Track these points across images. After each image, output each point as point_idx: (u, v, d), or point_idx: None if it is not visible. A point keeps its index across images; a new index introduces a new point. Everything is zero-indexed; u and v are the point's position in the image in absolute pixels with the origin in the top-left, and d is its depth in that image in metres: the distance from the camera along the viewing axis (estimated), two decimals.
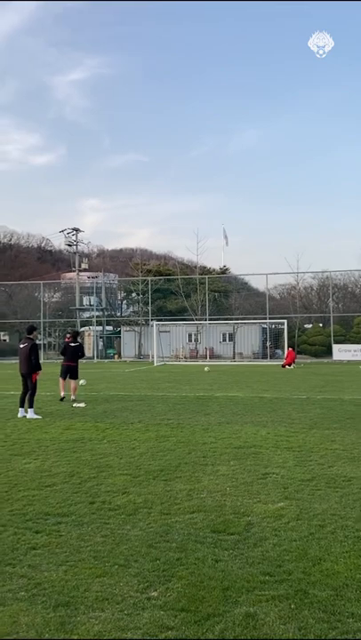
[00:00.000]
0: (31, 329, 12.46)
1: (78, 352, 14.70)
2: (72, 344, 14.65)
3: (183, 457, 7.47)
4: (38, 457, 7.59)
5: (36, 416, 11.30)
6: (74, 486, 6.07)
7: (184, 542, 4.45)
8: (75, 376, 14.38)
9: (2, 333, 54.58)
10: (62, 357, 14.87)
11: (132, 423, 10.37)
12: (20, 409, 11.69)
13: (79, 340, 15.39)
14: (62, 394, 14.23)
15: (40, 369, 11.92)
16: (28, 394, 11.72)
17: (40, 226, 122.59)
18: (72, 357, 14.44)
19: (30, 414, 11.34)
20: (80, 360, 14.95)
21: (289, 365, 30.04)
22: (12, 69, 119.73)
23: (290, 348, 31.96)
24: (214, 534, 4.63)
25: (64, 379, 14.42)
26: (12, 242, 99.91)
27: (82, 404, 13.06)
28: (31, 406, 11.53)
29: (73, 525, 4.84)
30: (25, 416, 11.32)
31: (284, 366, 30.16)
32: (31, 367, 11.72)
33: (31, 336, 12.22)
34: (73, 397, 13.87)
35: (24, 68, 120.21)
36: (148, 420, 10.65)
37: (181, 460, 7.26)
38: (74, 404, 13.05)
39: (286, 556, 4.19)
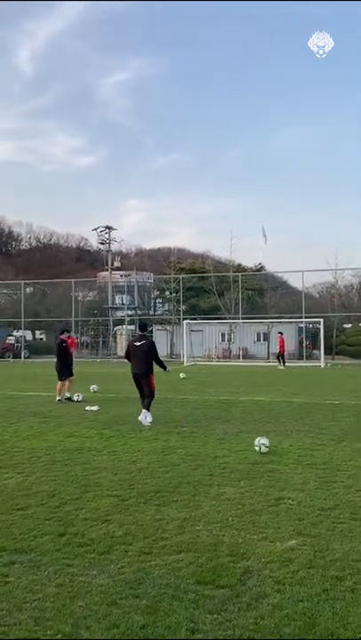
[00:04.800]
0: (145, 326, 11.39)
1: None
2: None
3: (187, 474, 6.48)
4: (24, 470, 6.75)
5: (147, 422, 9.97)
6: (49, 510, 5.17)
7: (158, 599, 3.47)
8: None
9: (38, 332, 54.79)
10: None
11: (141, 431, 9.44)
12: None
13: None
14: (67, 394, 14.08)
15: (165, 368, 10.86)
16: (146, 400, 10.36)
17: (81, 226, 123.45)
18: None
19: (144, 418, 10.04)
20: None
21: (282, 358, 28.98)
22: (58, 73, 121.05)
23: (281, 335, 30.55)
24: (199, 587, 3.64)
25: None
26: (52, 242, 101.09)
27: (95, 407, 12.23)
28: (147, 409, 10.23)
29: (27, 567, 3.93)
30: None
31: (281, 355, 29.22)
32: (149, 368, 10.50)
33: (146, 333, 11.22)
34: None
35: (69, 70, 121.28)
36: (160, 428, 9.69)
37: (183, 479, 6.27)
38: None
39: (287, 626, 3.16)
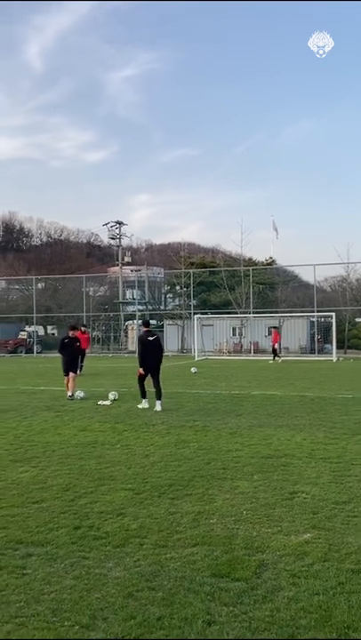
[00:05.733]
0: (148, 322, 12.65)
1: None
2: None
3: (200, 468, 6.50)
4: (39, 464, 6.80)
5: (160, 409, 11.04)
6: (64, 504, 5.22)
7: (174, 591, 3.49)
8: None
9: (49, 327, 55.03)
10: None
11: (154, 425, 9.47)
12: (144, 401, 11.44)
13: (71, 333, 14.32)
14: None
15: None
16: (158, 391, 11.30)
17: (91, 222, 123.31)
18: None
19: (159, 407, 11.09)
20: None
21: (277, 353, 28.92)
22: (67, 68, 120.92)
23: (275, 330, 30.37)
24: (215, 579, 3.66)
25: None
26: (63, 237, 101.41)
27: (107, 402, 12.28)
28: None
29: (44, 560, 3.97)
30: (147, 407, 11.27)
31: (274, 350, 29.13)
32: (160, 360, 11.63)
33: (150, 328, 12.27)
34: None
35: (78, 66, 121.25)
36: (172, 422, 9.72)
37: (197, 473, 6.29)
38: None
39: (303, 619, 3.17)
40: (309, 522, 4.73)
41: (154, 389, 11.34)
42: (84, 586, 3.56)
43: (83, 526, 4.62)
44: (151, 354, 11.42)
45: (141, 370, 11.41)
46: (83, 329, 22.65)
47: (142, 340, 11.64)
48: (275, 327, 30.94)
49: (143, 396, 11.53)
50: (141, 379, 11.50)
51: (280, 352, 29.64)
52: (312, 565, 3.88)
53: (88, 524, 4.68)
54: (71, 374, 13.44)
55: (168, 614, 3.21)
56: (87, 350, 21.11)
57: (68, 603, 3.34)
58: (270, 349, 29.78)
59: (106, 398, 12.59)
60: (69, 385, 13.37)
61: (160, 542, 4.29)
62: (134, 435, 8.61)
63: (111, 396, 12.35)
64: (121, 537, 4.39)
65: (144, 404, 11.42)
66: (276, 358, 28.82)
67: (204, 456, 7.11)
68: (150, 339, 11.54)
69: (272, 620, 3.16)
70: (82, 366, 19.95)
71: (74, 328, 14.58)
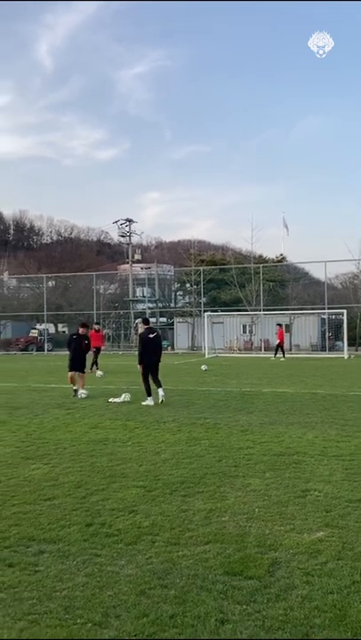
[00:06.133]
0: (148, 320, 13.03)
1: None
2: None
3: (211, 465, 6.47)
4: (50, 461, 6.81)
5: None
6: (76, 501, 5.22)
7: (186, 589, 3.47)
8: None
9: (60, 325, 55.25)
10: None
11: (165, 422, 9.46)
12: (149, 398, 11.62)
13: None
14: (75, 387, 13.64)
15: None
16: (158, 382, 11.86)
17: (101, 219, 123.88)
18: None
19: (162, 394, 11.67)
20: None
21: (281, 349, 28.74)
22: (77, 66, 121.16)
23: (279, 327, 30.09)
24: (228, 578, 3.63)
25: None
26: (73, 235, 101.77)
27: (118, 399, 12.28)
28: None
29: (56, 557, 3.97)
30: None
31: (280, 346, 28.87)
32: (161, 355, 12.33)
33: (150, 325, 12.76)
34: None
35: (88, 64, 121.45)
36: (183, 419, 9.70)
37: (208, 470, 6.27)
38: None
39: (317, 617, 3.14)
40: (322, 520, 4.69)
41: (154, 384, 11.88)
42: (97, 583, 3.55)
43: (94, 523, 4.61)
44: (151, 351, 11.87)
45: (141, 366, 11.84)
46: (96, 327, 22.63)
47: (143, 338, 12.06)
48: (279, 324, 30.71)
49: (148, 393, 11.70)
50: (145, 376, 11.84)
51: (283, 350, 29.37)
52: (326, 564, 3.84)
53: (100, 521, 4.67)
54: (79, 373, 13.42)
55: (181, 612, 3.19)
56: (102, 348, 21.06)
57: (81, 600, 3.33)
58: (275, 346, 29.50)
59: (117, 396, 12.58)
60: (80, 382, 13.38)
61: (172, 540, 4.27)
62: (145, 432, 8.60)
63: (124, 397, 12.15)
64: (133, 534, 4.37)
65: (149, 402, 11.53)
66: (278, 355, 28.61)
67: (215, 453, 7.08)
68: (151, 336, 12.07)
69: (286, 618, 3.13)
70: (96, 363, 20.02)
71: (84, 325, 14.46)
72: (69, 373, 13.53)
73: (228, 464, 6.54)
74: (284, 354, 29.21)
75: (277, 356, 28.67)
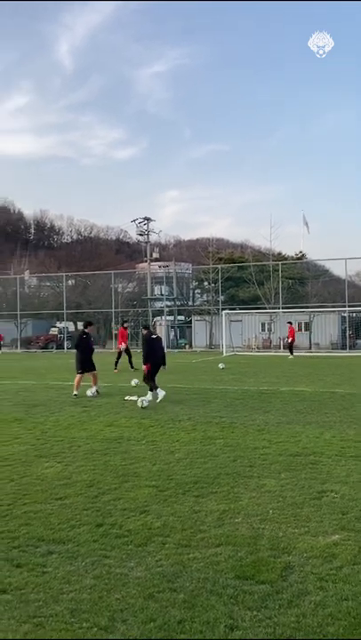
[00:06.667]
0: (148, 325, 13.74)
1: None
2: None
3: (226, 465, 6.37)
4: (64, 459, 6.78)
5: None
6: (87, 500, 5.16)
7: (196, 593, 3.38)
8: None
9: (80, 323, 55.55)
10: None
11: (180, 421, 9.37)
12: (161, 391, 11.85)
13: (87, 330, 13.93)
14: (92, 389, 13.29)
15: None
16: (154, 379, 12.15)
17: (120, 218, 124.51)
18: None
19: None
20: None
21: (291, 347, 28.37)
22: (97, 65, 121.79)
23: (290, 325, 29.61)
24: (239, 582, 3.53)
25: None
26: (92, 234, 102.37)
27: (134, 397, 12.23)
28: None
29: (65, 558, 3.91)
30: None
31: (291, 345, 28.51)
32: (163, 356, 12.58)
33: (149, 329, 13.34)
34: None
35: (107, 63, 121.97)
36: (199, 418, 9.61)
37: (222, 470, 6.16)
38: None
39: (331, 626, 3.02)
40: (338, 522, 4.56)
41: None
42: (104, 586, 3.48)
43: (105, 524, 4.55)
44: (158, 348, 12.48)
45: (147, 366, 12.11)
46: (125, 325, 22.54)
47: (147, 339, 12.65)
48: (290, 322, 30.36)
49: (152, 388, 12.03)
50: (152, 375, 12.17)
51: (291, 349, 29.01)
52: (341, 569, 3.72)
53: (110, 521, 4.61)
54: (92, 372, 13.13)
55: (189, 617, 3.10)
56: (124, 346, 20.89)
57: (87, 603, 3.26)
58: (288, 345, 29.14)
59: (133, 393, 12.54)
60: (93, 380, 13.10)
61: (183, 542, 4.18)
62: (160, 430, 8.53)
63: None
64: (143, 535, 4.30)
65: (157, 394, 11.79)
66: (292, 355, 28.28)
67: (230, 453, 6.98)
68: (153, 337, 12.87)
69: (298, 626, 3.02)
70: (130, 362, 19.87)
71: (90, 324, 14.25)
72: (78, 376, 13.03)
73: (242, 464, 6.43)
74: (292, 352, 28.81)
75: (293, 354, 28.33)
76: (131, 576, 3.62)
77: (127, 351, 20.48)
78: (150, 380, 12.16)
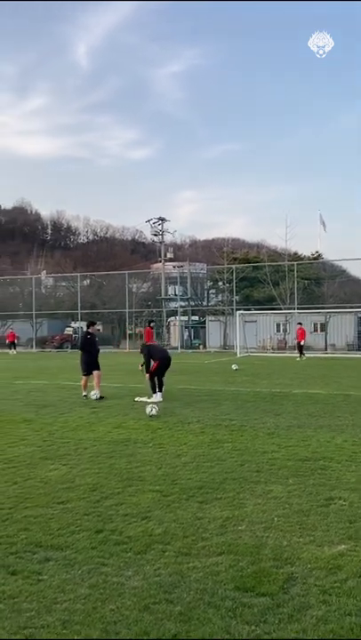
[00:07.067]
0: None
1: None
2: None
3: (233, 470, 6.25)
4: (69, 462, 6.71)
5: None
6: (89, 505, 5.08)
7: (193, 605, 3.27)
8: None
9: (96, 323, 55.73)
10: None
11: (189, 423, 9.26)
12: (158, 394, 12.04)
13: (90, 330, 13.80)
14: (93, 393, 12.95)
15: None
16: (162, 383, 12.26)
17: (136, 219, 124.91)
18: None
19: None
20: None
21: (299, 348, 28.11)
22: (113, 66, 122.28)
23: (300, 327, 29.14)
24: (238, 593, 3.41)
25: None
26: (108, 235, 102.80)
27: (145, 398, 12.15)
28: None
29: (61, 565, 3.83)
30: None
31: (300, 346, 28.25)
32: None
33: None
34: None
35: (124, 64, 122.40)
36: (208, 420, 9.49)
37: (229, 475, 6.04)
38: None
39: None
40: (345, 532, 4.41)
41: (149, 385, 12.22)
42: (99, 596, 3.39)
43: (105, 530, 4.46)
44: (161, 349, 13.23)
45: (156, 363, 12.07)
46: (152, 324, 22.38)
47: (148, 344, 13.37)
48: (300, 323, 30.07)
49: (154, 390, 12.08)
50: (158, 375, 12.13)
51: (300, 350, 28.68)
52: (345, 581, 3.58)
53: (111, 527, 4.52)
54: (95, 372, 12.81)
55: (185, 631, 2.99)
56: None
57: (81, 614, 3.17)
58: (299, 346, 28.83)
59: (143, 394, 12.46)
60: (96, 381, 12.69)
61: (184, 550, 4.07)
62: (168, 433, 8.43)
63: (151, 409, 10.27)
64: (143, 542, 4.20)
65: (156, 397, 11.85)
66: (302, 356, 27.96)
67: (238, 457, 6.85)
68: (155, 341, 14.15)
69: None
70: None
71: (93, 323, 14.20)
72: (84, 378, 12.85)
73: (250, 469, 6.30)
74: (301, 353, 28.48)
75: (302, 356, 27.98)
76: (127, 586, 3.52)
77: None
78: (155, 378, 12.03)
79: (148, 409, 10.02)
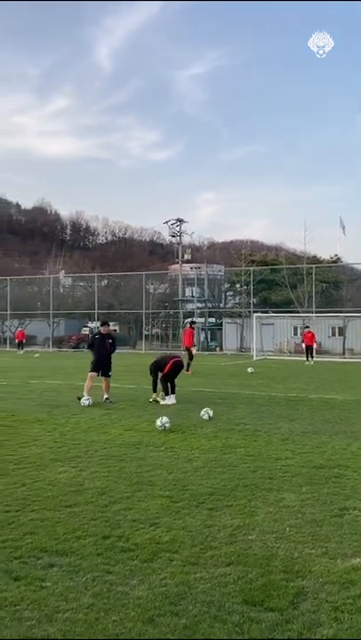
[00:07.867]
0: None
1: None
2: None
3: (245, 476, 6.11)
4: (79, 464, 6.64)
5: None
6: (97, 509, 4.99)
7: (198, 619, 3.16)
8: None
9: (111, 324, 55.88)
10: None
11: (202, 427, 9.14)
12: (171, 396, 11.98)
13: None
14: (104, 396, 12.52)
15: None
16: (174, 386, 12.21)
17: (154, 220, 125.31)
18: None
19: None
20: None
21: (306, 352, 27.75)
22: (135, 68, 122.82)
23: (308, 330, 28.64)
24: (246, 607, 3.29)
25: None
26: (127, 235, 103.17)
27: (159, 399, 12.06)
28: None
29: (66, 572, 3.74)
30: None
31: (308, 349, 27.93)
32: None
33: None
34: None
35: (146, 65, 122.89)
36: (221, 425, 9.35)
37: (241, 481, 5.91)
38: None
39: None
40: (360, 544, 4.26)
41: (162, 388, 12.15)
42: (103, 605, 3.29)
43: (112, 536, 4.36)
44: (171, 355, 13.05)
45: (167, 366, 11.93)
46: (193, 325, 21.91)
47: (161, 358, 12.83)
48: (307, 326, 29.71)
49: (167, 392, 12.02)
50: (170, 377, 12.04)
51: (307, 354, 28.29)
52: (358, 598, 3.43)
53: (118, 533, 4.42)
54: (103, 378, 12.34)
55: None
56: (194, 349, 20.56)
57: (82, 625, 3.07)
58: (310, 350, 28.46)
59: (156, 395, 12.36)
60: (104, 385, 12.28)
61: (191, 559, 3.96)
62: (181, 437, 8.32)
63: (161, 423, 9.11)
64: (150, 550, 4.10)
65: (169, 400, 11.85)
66: (310, 359, 27.60)
67: (250, 463, 6.71)
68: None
69: None
70: (190, 364, 18.95)
71: (106, 323, 13.63)
72: (90, 374, 12.33)
73: (262, 475, 6.16)
74: (307, 358, 28.09)
75: (310, 359, 27.61)
76: (132, 595, 3.42)
77: (189, 352, 19.85)
78: (167, 380, 11.96)
79: (158, 422, 9.03)
